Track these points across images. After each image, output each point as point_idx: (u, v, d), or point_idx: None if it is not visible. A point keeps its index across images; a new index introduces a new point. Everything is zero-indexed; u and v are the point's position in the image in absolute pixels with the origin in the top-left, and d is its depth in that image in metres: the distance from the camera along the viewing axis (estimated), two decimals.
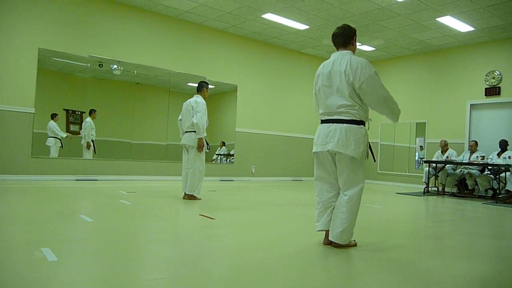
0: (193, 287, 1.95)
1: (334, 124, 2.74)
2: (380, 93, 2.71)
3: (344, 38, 2.84)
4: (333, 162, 2.82)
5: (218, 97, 9.79)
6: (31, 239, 2.74)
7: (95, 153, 7.59)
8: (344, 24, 2.89)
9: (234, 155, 9.28)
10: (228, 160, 9.41)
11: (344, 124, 2.70)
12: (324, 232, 2.91)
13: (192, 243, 3.01)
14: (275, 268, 2.34)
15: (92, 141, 7.63)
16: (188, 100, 5.31)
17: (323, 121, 2.85)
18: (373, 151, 3.01)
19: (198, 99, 5.22)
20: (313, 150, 2.88)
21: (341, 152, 2.70)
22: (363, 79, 2.65)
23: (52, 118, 7.26)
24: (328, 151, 2.76)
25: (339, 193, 2.86)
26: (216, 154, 9.59)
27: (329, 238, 2.84)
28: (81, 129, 7.63)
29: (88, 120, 7.63)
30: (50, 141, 7.16)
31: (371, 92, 2.69)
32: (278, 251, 2.75)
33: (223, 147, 9.60)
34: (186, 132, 5.25)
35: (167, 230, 3.45)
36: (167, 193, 5.80)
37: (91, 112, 7.64)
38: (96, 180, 7.23)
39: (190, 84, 8.80)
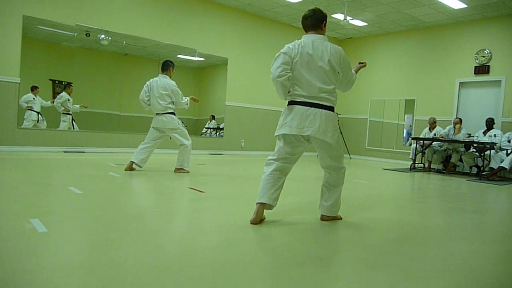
0: (181, 258, 1.99)
1: (313, 108, 2.66)
2: (352, 79, 2.91)
3: (314, 20, 2.80)
4: (303, 144, 2.79)
5: (208, 70, 9.68)
6: (20, 210, 2.74)
7: (73, 129, 7.47)
8: (315, 7, 2.86)
9: (224, 128, 9.26)
10: (217, 133, 9.40)
11: (324, 110, 2.68)
12: (260, 205, 2.75)
13: (180, 215, 3.05)
14: (263, 241, 2.39)
15: (70, 115, 7.50)
16: (155, 80, 5.08)
17: (299, 103, 2.70)
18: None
19: (167, 80, 5.07)
20: (285, 132, 2.70)
21: (320, 139, 2.68)
22: (342, 67, 2.77)
23: (32, 91, 6.99)
24: (303, 135, 2.69)
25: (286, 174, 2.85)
26: (206, 128, 9.57)
27: (321, 213, 2.97)
28: (68, 100, 7.50)
29: (62, 94, 7.46)
30: (26, 113, 6.92)
31: (345, 79, 2.85)
32: (268, 224, 2.80)
33: (213, 120, 9.56)
34: (158, 114, 5.09)
35: (156, 202, 3.47)
36: (156, 166, 5.80)
37: (66, 87, 7.44)
38: (84, 152, 7.18)
39: (180, 56, 8.66)
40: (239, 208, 3.34)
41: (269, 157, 2.85)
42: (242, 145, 9.56)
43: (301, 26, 2.90)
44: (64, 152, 6.95)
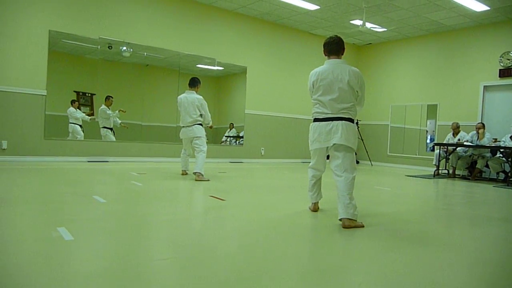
0: (204, 266, 2.00)
1: (334, 121, 3.09)
2: (364, 97, 3.28)
3: (339, 47, 3.19)
4: (326, 153, 3.29)
5: (227, 79, 9.76)
6: (47, 219, 2.82)
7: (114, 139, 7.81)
8: (336, 35, 3.24)
9: (244, 137, 9.30)
10: (237, 142, 9.44)
11: (343, 121, 3.09)
12: (313, 204, 3.58)
13: (202, 224, 3.07)
14: (285, 248, 2.38)
15: (108, 128, 7.75)
16: (185, 97, 5.59)
17: (320, 119, 3.16)
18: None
19: (195, 95, 5.57)
20: (315, 147, 3.24)
21: (343, 144, 3.05)
22: (360, 87, 3.14)
23: (72, 104, 7.44)
24: (330, 145, 3.14)
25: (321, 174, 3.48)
26: (226, 136, 9.63)
27: (339, 217, 3.02)
28: (91, 110, 7.73)
29: (102, 106, 7.77)
30: (70, 127, 7.36)
31: (361, 97, 3.23)
32: (289, 231, 2.79)
33: (233, 129, 9.62)
34: (188, 126, 5.55)
35: (177, 211, 3.51)
36: (177, 175, 5.87)
37: (106, 99, 7.79)
38: (107, 161, 7.33)
39: (200, 65, 8.78)
40: (260, 216, 3.34)
41: (309, 165, 3.49)
42: (262, 153, 9.57)
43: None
44: (88, 161, 7.12)
